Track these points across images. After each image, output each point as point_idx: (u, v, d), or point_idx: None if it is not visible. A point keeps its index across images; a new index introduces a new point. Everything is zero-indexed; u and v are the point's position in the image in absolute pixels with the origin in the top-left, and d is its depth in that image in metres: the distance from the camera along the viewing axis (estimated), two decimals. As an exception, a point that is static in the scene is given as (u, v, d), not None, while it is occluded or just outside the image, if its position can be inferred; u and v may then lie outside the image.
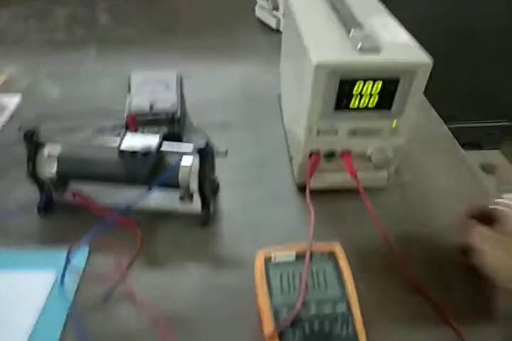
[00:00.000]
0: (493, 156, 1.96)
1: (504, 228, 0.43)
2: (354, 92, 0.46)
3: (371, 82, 0.45)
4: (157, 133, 0.58)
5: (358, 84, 0.45)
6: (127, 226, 0.49)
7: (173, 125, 0.62)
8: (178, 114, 0.62)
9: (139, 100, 0.62)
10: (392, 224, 0.52)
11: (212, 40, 0.93)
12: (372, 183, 0.55)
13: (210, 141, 0.47)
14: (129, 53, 0.87)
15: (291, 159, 0.60)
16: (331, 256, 0.42)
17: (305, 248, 0.42)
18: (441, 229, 0.52)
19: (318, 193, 0.54)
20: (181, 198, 0.47)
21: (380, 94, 0.47)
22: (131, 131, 0.60)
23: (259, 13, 1.02)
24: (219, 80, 0.80)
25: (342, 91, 0.46)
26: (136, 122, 0.61)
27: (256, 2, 1.01)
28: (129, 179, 0.48)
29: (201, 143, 0.46)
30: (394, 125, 0.50)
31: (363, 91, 0.46)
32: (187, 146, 0.48)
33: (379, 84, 0.46)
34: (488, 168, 1.91)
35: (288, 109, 0.66)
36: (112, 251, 0.45)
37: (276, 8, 0.95)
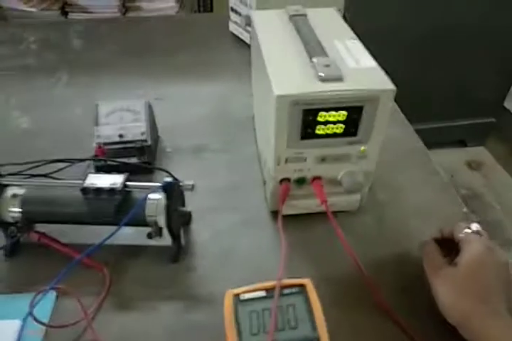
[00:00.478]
0: (479, 153, 1.97)
1: (461, 259, 0.42)
2: (319, 120, 0.46)
3: (334, 111, 0.45)
4: (127, 163, 0.59)
5: (321, 113, 0.45)
6: (95, 267, 0.48)
7: (143, 154, 0.61)
8: (149, 142, 0.61)
9: (107, 130, 0.61)
10: (366, 247, 0.52)
11: (185, 60, 0.92)
12: (346, 207, 0.55)
13: (174, 177, 0.46)
14: (101, 77, 0.86)
15: (264, 183, 0.60)
16: (302, 288, 0.42)
17: (274, 284, 0.41)
18: (415, 251, 0.51)
19: (291, 217, 0.53)
20: (149, 235, 0.47)
21: (345, 121, 0.46)
22: (101, 162, 0.59)
23: (232, 28, 1.02)
24: (193, 101, 0.80)
25: (306, 120, 0.45)
26: (106, 153, 0.60)
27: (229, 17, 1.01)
28: (95, 218, 0.47)
29: (167, 180, 0.46)
30: (362, 150, 0.49)
31: (328, 119, 0.46)
32: (152, 183, 0.47)
33: (343, 113, 0.45)
34: (474, 165, 1.92)
35: (260, 133, 0.65)
36: (79, 294, 0.44)
37: (249, 23, 0.95)
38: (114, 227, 0.46)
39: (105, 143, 0.60)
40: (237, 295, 0.41)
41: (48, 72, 0.88)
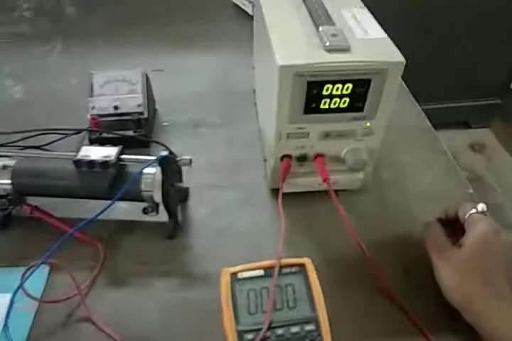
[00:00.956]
0: (482, 135, 1.94)
1: (466, 240, 0.41)
2: (323, 94, 0.43)
3: (341, 84, 0.43)
4: (123, 136, 0.57)
5: (326, 86, 0.43)
6: (89, 243, 0.47)
7: (140, 127, 0.59)
8: (145, 114, 0.59)
9: (102, 102, 0.58)
10: (369, 227, 0.50)
11: (185, 30, 0.88)
12: (348, 185, 0.53)
13: (171, 151, 0.44)
14: (97, 46, 0.82)
15: (265, 160, 0.58)
16: (301, 268, 0.40)
17: (273, 263, 0.40)
18: (418, 232, 0.50)
19: (292, 195, 0.52)
20: (144, 210, 0.45)
21: (351, 95, 0.44)
22: (95, 135, 0.57)
23: (234, -2, 0.97)
24: (192, 73, 0.76)
25: (310, 93, 0.43)
26: (100, 125, 0.58)
27: (231, -14, 0.96)
28: (89, 192, 0.46)
29: (163, 153, 0.44)
30: (368, 126, 0.47)
31: (333, 93, 0.43)
32: (148, 157, 0.45)
33: (349, 86, 0.43)
34: (477, 147, 1.90)
35: (261, 108, 0.63)
36: (72, 270, 0.43)
37: (251, -7, 0.91)
38: (109, 202, 0.44)
39: (100, 115, 0.58)
40: (234, 274, 0.40)
41: (42, 40, 0.84)
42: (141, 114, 0.59)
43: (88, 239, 0.47)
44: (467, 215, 0.44)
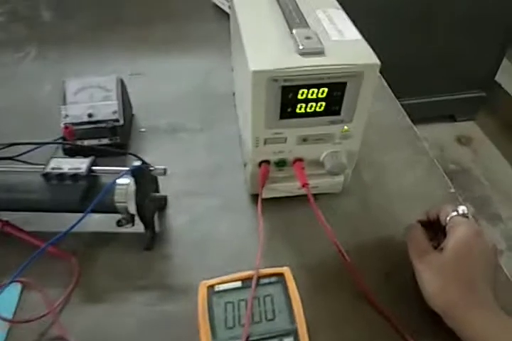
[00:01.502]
0: (468, 128, 1.95)
1: (448, 244, 0.40)
2: (299, 98, 0.42)
3: (316, 88, 0.42)
4: (99, 145, 0.55)
5: (301, 90, 0.42)
6: (63, 257, 0.45)
7: (115, 134, 0.57)
8: (121, 121, 0.58)
9: (76, 109, 0.57)
10: (350, 231, 0.50)
11: (163, 33, 0.87)
12: (329, 189, 0.52)
13: (144, 161, 0.43)
14: (73, 52, 0.80)
15: (245, 165, 0.57)
16: (280, 278, 0.39)
17: (251, 274, 0.39)
18: (400, 235, 0.49)
19: (272, 201, 0.51)
20: (119, 223, 0.44)
21: (327, 99, 0.43)
22: (69, 144, 0.56)
23: (213, -3, 0.96)
24: (171, 76, 0.75)
25: (286, 98, 0.42)
26: (74, 133, 0.56)
27: (210, -14, 0.95)
28: (60, 206, 0.44)
29: (135, 164, 0.42)
30: (345, 130, 0.46)
31: (309, 97, 0.42)
32: (121, 168, 0.44)
33: (325, 90, 0.42)
34: (463, 140, 1.91)
35: (239, 111, 0.62)
36: (46, 287, 0.41)
37: (229, -8, 0.89)
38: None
39: (73, 124, 0.56)
40: (211, 287, 0.39)
41: (16, 47, 0.82)
42: (117, 121, 0.57)
43: (62, 254, 0.45)
44: (448, 218, 0.43)
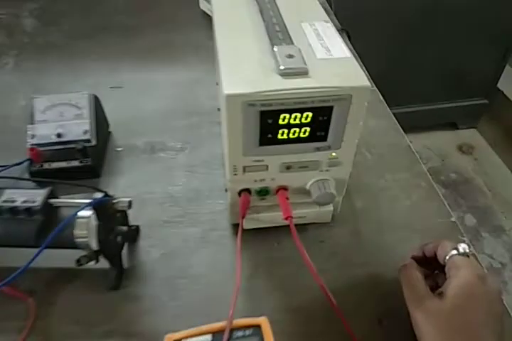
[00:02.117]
0: (471, 136, 1.91)
1: (448, 290, 0.35)
2: (280, 124, 0.38)
3: (299, 113, 0.37)
4: (68, 167, 0.51)
5: (283, 115, 0.37)
6: (19, 297, 0.41)
7: (86, 156, 0.53)
8: (93, 142, 0.53)
9: (44, 129, 0.52)
10: (341, 265, 0.45)
11: (150, 41, 0.82)
12: (317, 219, 0.48)
13: (106, 193, 0.38)
14: (53, 62, 0.76)
15: (226, 190, 0.52)
16: (256, 330, 0.35)
17: (223, 326, 0.34)
18: (395, 270, 0.44)
19: (255, 231, 0.46)
20: (78, 262, 0.39)
21: (311, 124, 0.38)
22: (36, 167, 0.51)
23: (203, 6, 0.91)
24: (153, 90, 0.70)
25: (265, 123, 0.38)
26: (42, 155, 0.52)
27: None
28: (15, 241, 0.40)
29: (97, 196, 0.38)
30: (333, 156, 0.42)
31: (291, 122, 0.38)
32: (82, 200, 0.39)
33: (309, 114, 0.37)
34: (465, 149, 1.86)
35: (223, 130, 0.57)
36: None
37: (218, 0, 0.85)
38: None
39: (40, 144, 0.52)
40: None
41: (-8, 57, 0.78)
42: (88, 141, 0.53)
43: (18, 294, 0.41)
44: (447, 257, 0.38)
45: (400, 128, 0.63)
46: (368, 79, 0.37)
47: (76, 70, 0.74)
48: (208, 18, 0.90)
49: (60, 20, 0.90)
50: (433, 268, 0.41)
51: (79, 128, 0.53)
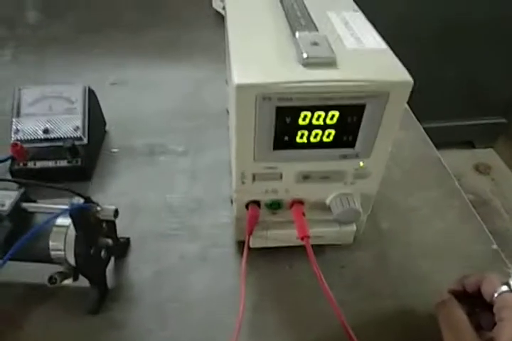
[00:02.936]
0: (487, 156, 1.83)
1: (501, 336, 0.29)
2: (300, 124, 0.32)
3: (323, 111, 0.31)
4: (55, 168, 0.45)
5: (303, 113, 0.31)
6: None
7: (76, 155, 0.47)
8: (84, 140, 0.47)
9: (31, 123, 0.47)
10: (362, 297, 0.38)
11: (158, 38, 0.77)
12: (337, 240, 0.41)
13: (88, 198, 0.32)
14: (54, 56, 0.71)
15: (231, 201, 0.46)
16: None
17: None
18: (427, 305, 0.37)
19: (263, 250, 0.40)
20: (51, 280, 0.32)
21: (337, 126, 0.32)
22: (17, 165, 0.45)
23: (215, 4, 0.86)
24: (158, 89, 0.65)
25: (282, 123, 0.31)
26: (25, 153, 0.46)
27: (212, -8, 0.86)
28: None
29: (75, 202, 0.31)
30: (361, 167, 0.35)
31: (313, 123, 0.32)
32: (60, 205, 0.33)
33: (335, 114, 0.31)
34: (481, 169, 1.79)
35: (231, 133, 0.51)
36: None
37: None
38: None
39: (26, 141, 0.46)
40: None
41: (-11, 49, 0.73)
42: (79, 139, 0.47)
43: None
44: (496, 294, 0.31)
45: (429, 140, 0.56)
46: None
47: (77, 65, 0.69)
48: (219, 18, 0.85)
49: (64, 14, 0.85)
50: (473, 305, 0.34)
51: (69, 124, 0.47)
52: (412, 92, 0.31)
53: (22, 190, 0.34)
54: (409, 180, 0.49)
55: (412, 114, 0.61)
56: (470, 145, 1.84)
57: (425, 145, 0.55)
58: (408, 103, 0.59)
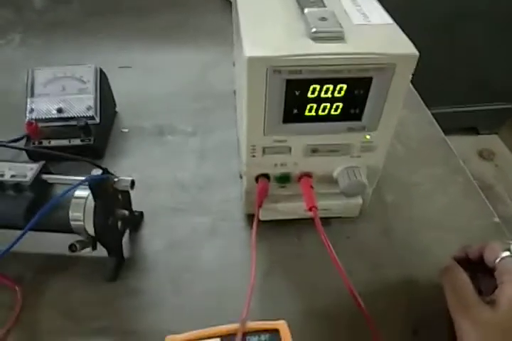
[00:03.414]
0: (491, 142, 1.83)
1: (502, 297, 0.30)
2: (309, 97, 0.33)
3: (331, 84, 0.32)
4: (68, 146, 0.46)
5: (312, 86, 0.32)
6: (5, 284, 0.36)
7: (89, 134, 0.48)
8: (97, 119, 0.48)
9: (44, 103, 0.48)
10: (369, 265, 0.40)
11: (164, 21, 0.78)
12: (343, 213, 0.42)
13: (105, 170, 0.33)
14: (61, 39, 0.72)
15: (241, 177, 0.47)
16: (273, 336, 0.29)
17: (234, 329, 0.29)
18: (431, 273, 0.38)
19: (272, 223, 0.41)
20: (71, 247, 0.34)
21: (345, 99, 0.33)
22: (30, 145, 0.47)
23: (222, -13, 0.87)
24: (165, 70, 0.66)
25: (291, 96, 0.32)
26: (40, 132, 0.47)
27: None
28: (1, 220, 0.35)
29: (94, 173, 0.33)
30: (367, 140, 0.36)
31: (322, 96, 0.33)
32: (77, 177, 0.34)
33: (343, 87, 0.32)
34: (485, 155, 1.79)
35: (238, 113, 0.52)
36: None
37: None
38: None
39: (40, 120, 0.47)
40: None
41: (-2, 33, 0.74)
42: (91, 118, 0.48)
43: (4, 280, 0.36)
44: (498, 259, 0.33)
45: (434, 120, 0.57)
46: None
47: (84, 48, 0.70)
48: (226, 3, 0.85)
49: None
50: (476, 272, 0.35)
51: (82, 103, 0.48)
52: (416, 77, 0.31)
53: (42, 163, 0.35)
54: (414, 158, 0.50)
55: (419, 97, 0.62)
56: (474, 131, 1.84)
57: (431, 127, 0.56)
58: (415, 88, 0.60)
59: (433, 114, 0.59)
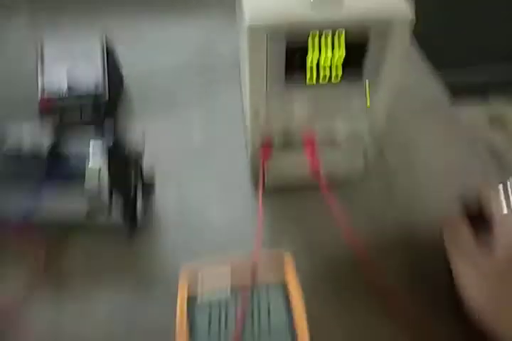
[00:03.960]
0: (504, 108, 1.80)
1: (497, 244, 0.31)
2: (308, 61, 0.34)
3: (330, 49, 0.33)
4: (80, 122, 0.48)
5: (311, 51, 0.33)
6: (29, 239, 0.39)
7: (98, 111, 0.50)
8: (106, 97, 0.50)
9: (54, 81, 0.49)
10: (371, 223, 0.42)
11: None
12: (346, 175, 0.44)
13: (122, 136, 0.35)
14: (67, 15, 0.72)
15: (246, 145, 0.49)
16: (282, 288, 0.32)
17: (244, 261, 0.32)
18: (432, 228, 0.40)
19: (279, 191, 0.43)
20: (89, 215, 0.36)
21: (344, 62, 0.34)
22: (48, 120, 0.49)
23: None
24: (171, 41, 0.66)
25: (292, 61, 0.34)
26: (53, 108, 0.49)
27: None
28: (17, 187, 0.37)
29: (110, 140, 0.35)
30: (368, 100, 0.37)
31: (321, 59, 0.34)
32: (95, 144, 0.36)
33: (342, 49, 0.33)
34: (496, 122, 1.76)
35: (243, 81, 0.53)
36: (8, 274, 0.35)
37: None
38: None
39: (51, 99, 0.49)
40: (193, 298, 0.31)
41: (4, 11, 0.74)
42: (100, 95, 0.49)
43: (30, 231, 0.39)
44: (494, 206, 0.34)
45: (441, 84, 0.57)
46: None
47: (90, 23, 0.70)
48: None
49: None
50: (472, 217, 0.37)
51: (91, 80, 0.49)
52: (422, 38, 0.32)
53: (59, 133, 0.37)
54: (416, 120, 0.51)
55: (423, 58, 0.62)
56: (484, 96, 1.80)
57: (435, 88, 0.56)
58: (424, 50, 0.60)
59: (441, 76, 0.59)
